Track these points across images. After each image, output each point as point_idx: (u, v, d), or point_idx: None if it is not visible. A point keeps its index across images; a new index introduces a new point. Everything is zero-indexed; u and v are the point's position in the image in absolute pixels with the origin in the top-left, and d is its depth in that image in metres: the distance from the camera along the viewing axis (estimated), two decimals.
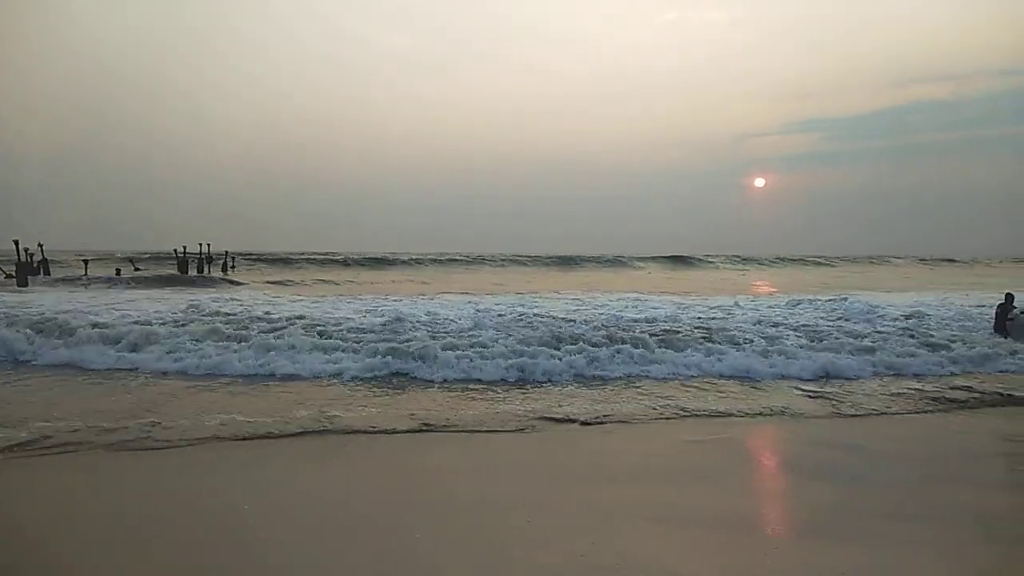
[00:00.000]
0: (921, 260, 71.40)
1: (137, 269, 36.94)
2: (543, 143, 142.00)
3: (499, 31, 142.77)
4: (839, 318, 16.39)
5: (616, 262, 55.56)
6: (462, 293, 23.08)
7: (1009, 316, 13.66)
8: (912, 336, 12.59)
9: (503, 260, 54.53)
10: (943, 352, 11.30)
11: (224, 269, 38.34)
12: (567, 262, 53.96)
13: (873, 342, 11.72)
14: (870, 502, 5.01)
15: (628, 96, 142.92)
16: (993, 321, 14.20)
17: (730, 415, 7.75)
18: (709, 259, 61.15)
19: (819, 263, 63.15)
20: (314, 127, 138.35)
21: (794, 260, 65.09)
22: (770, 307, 19.15)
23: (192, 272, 35.13)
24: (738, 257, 64.30)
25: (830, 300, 19.73)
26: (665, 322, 14.41)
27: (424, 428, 7.00)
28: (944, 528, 4.54)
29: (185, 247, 36.85)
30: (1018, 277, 39.87)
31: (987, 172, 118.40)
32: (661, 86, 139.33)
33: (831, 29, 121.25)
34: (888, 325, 14.76)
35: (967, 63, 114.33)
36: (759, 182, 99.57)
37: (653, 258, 58.94)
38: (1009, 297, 14.37)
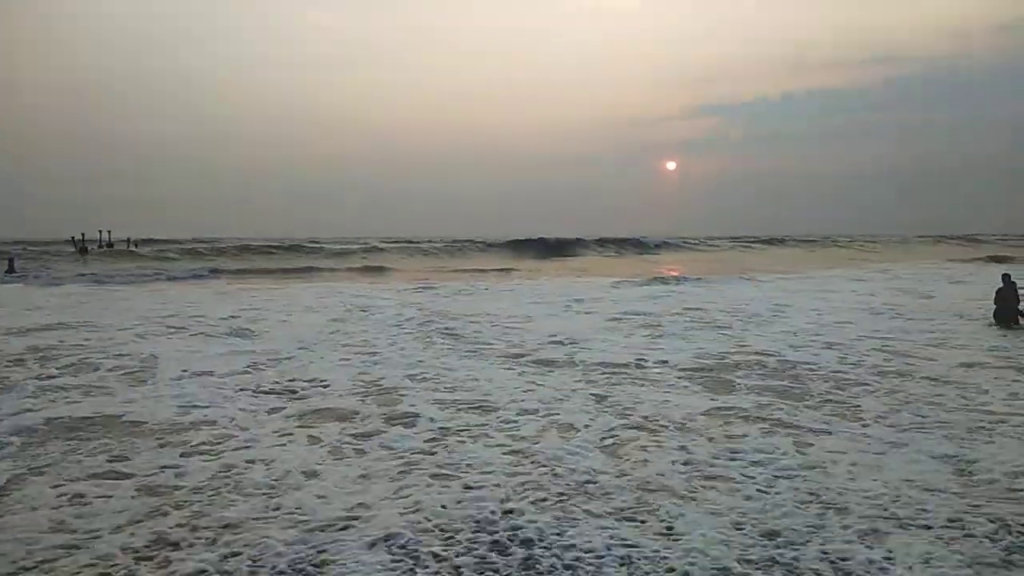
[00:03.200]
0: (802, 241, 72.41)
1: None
2: (454, 129, 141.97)
3: (410, 21, 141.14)
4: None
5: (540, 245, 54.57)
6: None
7: None
8: None
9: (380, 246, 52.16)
10: None
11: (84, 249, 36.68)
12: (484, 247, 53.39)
13: None
14: None
15: (535, 82, 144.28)
16: (993, 310, 11.43)
17: None
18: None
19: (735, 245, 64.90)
20: (253, 111, 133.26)
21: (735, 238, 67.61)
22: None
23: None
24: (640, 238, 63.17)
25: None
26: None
27: None
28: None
29: (83, 233, 35.56)
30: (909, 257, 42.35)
31: (875, 155, 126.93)
32: (566, 72, 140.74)
33: (731, 18, 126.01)
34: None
35: (857, 51, 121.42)
36: (670, 165, 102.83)
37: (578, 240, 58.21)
38: (1014, 286, 11.45)
